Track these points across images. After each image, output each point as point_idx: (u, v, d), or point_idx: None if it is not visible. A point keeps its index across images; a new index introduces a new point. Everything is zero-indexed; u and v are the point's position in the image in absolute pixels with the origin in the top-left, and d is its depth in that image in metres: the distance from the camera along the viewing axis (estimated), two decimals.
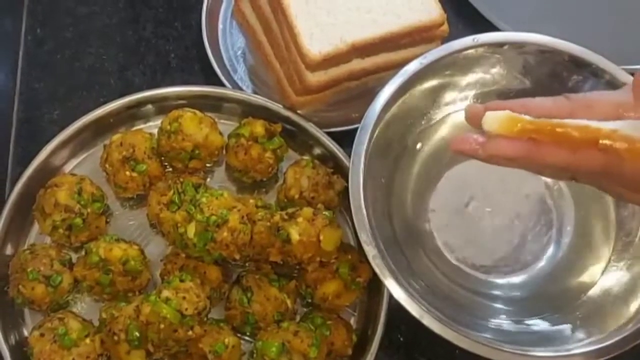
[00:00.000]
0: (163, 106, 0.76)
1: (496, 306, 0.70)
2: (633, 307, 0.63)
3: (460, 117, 0.71)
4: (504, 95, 0.70)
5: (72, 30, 0.84)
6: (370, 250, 0.61)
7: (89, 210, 0.69)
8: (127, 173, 0.71)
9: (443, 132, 0.73)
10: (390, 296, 0.61)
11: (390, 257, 0.62)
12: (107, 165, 0.71)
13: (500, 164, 0.51)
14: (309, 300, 0.70)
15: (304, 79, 0.72)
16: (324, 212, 0.66)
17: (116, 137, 0.72)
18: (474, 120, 0.51)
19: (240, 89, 0.78)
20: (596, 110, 0.47)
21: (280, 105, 0.75)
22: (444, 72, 0.69)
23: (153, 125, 0.76)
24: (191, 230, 0.64)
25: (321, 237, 0.64)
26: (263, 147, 0.72)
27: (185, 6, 0.85)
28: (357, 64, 0.73)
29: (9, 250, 0.71)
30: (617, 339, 0.60)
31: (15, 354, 0.67)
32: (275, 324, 0.66)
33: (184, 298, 0.61)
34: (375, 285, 0.68)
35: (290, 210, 0.66)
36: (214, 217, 0.63)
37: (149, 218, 0.73)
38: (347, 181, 0.65)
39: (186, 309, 0.61)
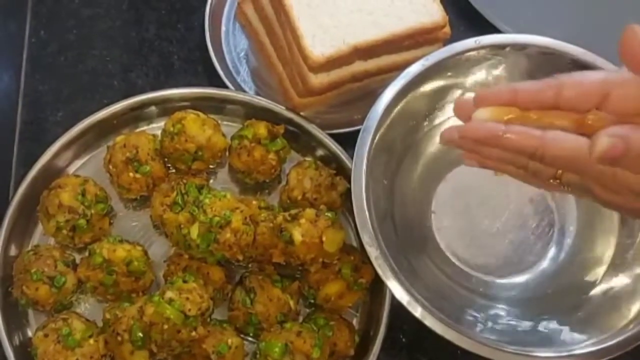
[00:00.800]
0: (166, 108, 0.76)
1: (498, 307, 0.70)
2: (634, 308, 0.63)
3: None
4: None
5: (75, 33, 0.84)
6: (373, 252, 0.61)
7: (92, 211, 0.69)
8: (131, 174, 0.71)
9: None
10: (393, 297, 0.61)
11: (393, 258, 0.62)
12: (110, 167, 0.71)
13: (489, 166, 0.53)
14: (312, 301, 0.70)
15: (306, 81, 0.72)
16: (326, 214, 0.66)
17: (120, 138, 0.72)
18: (461, 112, 0.51)
19: (243, 90, 0.78)
20: (584, 86, 0.45)
21: (283, 107, 0.75)
22: (446, 73, 0.69)
23: (156, 127, 0.76)
24: (194, 231, 0.64)
25: (324, 238, 0.64)
26: (266, 149, 0.72)
27: (188, 8, 0.85)
28: (359, 66, 0.74)
29: (13, 251, 0.71)
30: (618, 339, 0.60)
31: (19, 354, 0.67)
32: (278, 324, 0.67)
33: (187, 299, 0.61)
34: (377, 286, 0.68)
35: (293, 212, 0.66)
36: (217, 218, 0.63)
37: (152, 219, 0.73)
38: (349, 182, 0.65)
39: (189, 310, 0.61)
